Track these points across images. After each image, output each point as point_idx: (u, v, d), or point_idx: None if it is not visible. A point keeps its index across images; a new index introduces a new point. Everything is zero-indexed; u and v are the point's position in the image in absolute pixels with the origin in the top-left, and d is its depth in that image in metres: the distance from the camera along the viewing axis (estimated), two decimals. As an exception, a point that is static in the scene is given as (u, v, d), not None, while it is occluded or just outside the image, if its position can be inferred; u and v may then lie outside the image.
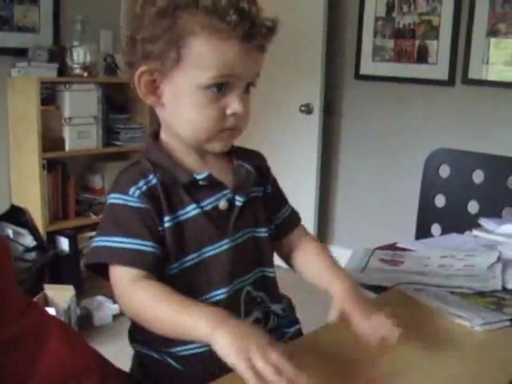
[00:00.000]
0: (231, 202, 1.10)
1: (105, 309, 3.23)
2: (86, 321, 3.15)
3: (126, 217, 1.02)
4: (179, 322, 0.95)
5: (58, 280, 3.16)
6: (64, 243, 3.39)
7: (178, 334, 0.97)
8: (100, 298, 3.30)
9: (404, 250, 1.74)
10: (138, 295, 0.99)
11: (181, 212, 1.06)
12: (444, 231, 2.35)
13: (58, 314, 2.75)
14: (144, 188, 1.03)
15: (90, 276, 3.43)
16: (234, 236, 1.10)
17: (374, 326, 1.01)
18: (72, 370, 0.97)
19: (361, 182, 4.07)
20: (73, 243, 3.39)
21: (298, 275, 1.24)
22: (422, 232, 2.45)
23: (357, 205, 4.12)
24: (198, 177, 1.07)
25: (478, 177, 2.42)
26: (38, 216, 3.28)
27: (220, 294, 1.08)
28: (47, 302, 2.92)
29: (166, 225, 1.04)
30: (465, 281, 1.43)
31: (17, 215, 3.24)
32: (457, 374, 1.03)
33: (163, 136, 1.12)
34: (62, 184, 3.46)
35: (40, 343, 0.95)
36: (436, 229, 2.47)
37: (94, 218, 3.55)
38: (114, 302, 3.23)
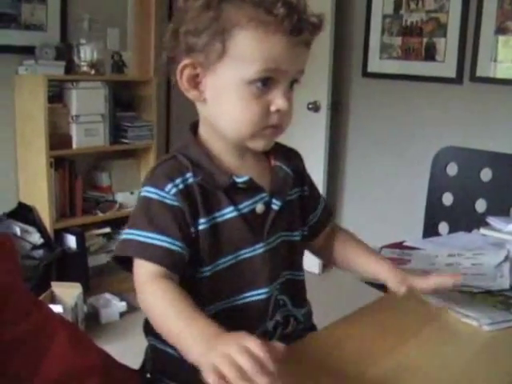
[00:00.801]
0: (268, 205, 1.09)
1: (112, 306, 3.23)
2: (93, 318, 3.15)
3: (160, 213, 1.00)
4: (180, 340, 0.91)
5: (65, 277, 3.16)
6: (71, 241, 3.39)
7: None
8: (107, 295, 3.31)
9: (411, 248, 1.73)
10: (151, 294, 0.97)
11: (217, 214, 1.04)
12: (451, 230, 2.35)
13: (65, 312, 2.75)
14: (181, 186, 1.01)
15: (97, 273, 3.45)
16: (268, 240, 1.09)
17: (437, 282, 1.12)
18: (77, 369, 0.97)
19: (368, 179, 4.06)
20: (80, 241, 3.39)
21: (335, 266, 1.29)
22: (430, 230, 2.44)
23: (364, 203, 4.12)
24: (239, 180, 1.05)
25: (486, 175, 2.41)
26: (45, 214, 3.29)
27: (253, 296, 1.07)
28: (54, 299, 2.92)
29: (202, 226, 1.02)
30: (472, 280, 1.42)
31: (24, 213, 3.25)
32: (464, 374, 1.03)
33: (202, 132, 1.10)
34: (69, 182, 3.47)
35: (45, 342, 0.95)
36: (443, 227, 2.46)
37: (101, 215, 3.56)
38: (122, 299, 3.24)
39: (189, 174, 1.03)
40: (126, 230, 1.02)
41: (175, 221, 1.00)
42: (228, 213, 1.05)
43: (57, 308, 2.70)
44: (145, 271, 0.98)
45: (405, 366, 1.02)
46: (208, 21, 0.97)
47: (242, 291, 1.07)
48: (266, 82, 0.99)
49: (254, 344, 0.78)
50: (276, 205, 1.09)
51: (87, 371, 0.99)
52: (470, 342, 1.15)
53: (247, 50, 0.97)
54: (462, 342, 1.15)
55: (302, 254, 1.21)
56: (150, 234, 0.99)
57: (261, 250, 1.07)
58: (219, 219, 1.04)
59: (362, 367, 1.01)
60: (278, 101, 1.00)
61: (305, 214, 1.20)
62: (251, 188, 1.07)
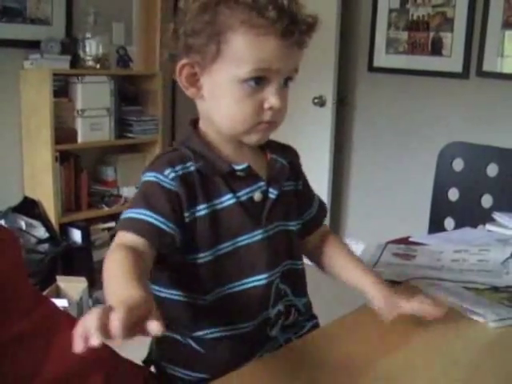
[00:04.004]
0: (265, 193, 1.12)
1: (117, 301, 3.23)
2: (98, 312, 3.15)
3: (155, 193, 1.03)
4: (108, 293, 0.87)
5: (70, 272, 3.17)
6: (76, 235, 3.40)
7: None
8: (112, 289, 3.31)
9: (417, 244, 1.73)
10: (111, 256, 0.95)
11: (217, 201, 1.08)
12: (457, 225, 2.34)
13: (71, 306, 2.76)
14: (180, 172, 1.05)
15: (103, 268, 3.45)
16: (266, 227, 1.12)
17: (417, 305, 1.11)
18: (81, 364, 0.97)
19: (374, 174, 4.06)
20: (85, 235, 3.40)
21: (322, 272, 1.29)
22: (435, 226, 2.43)
23: (370, 198, 4.11)
24: (237, 167, 1.09)
25: (492, 170, 2.40)
26: (50, 208, 3.29)
27: (252, 282, 1.10)
28: (59, 293, 2.93)
29: (201, 213, 1.05)
30: (478, 276, 1.42)
31: (29, 207, 3.26)
32: (471, 370, 1.02)
33: (202, 127, 1.14)
34: (74, 176, 3.47)
35: (49, 338, 0.95)
36: (449, 223, 2.45)
37: (106, 209, 3.57)
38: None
39: (190, 163, 1.07)
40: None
41: (169, 202, 1.02)
42: (227, 200, 1.08)
43: (62, 302, 2.71)
44: (120, 240, 0.99)
45: (411, 363, 1.02)
46: (204, 23, 1.01)
47: (241, 277, 1.09)
48: (258, 81, 1.03)
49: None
50: (273, 194, 1.12)
51: (92, 367, 0.99)
52: (476, 338, 1.14)
53: (239, 52, 1.01)
54: (469, 338, 1.14)
55: (300, 244, 1.24)
56: (140, 210, 1.01)
57: (259, 237, 1.10)
58: (218, 206, 1.08)
59: (368, 363, 1.01)
60: (270, 98, 1.04)
61: (300, 208, 1.23)
62: (249, 176, 1.11)
